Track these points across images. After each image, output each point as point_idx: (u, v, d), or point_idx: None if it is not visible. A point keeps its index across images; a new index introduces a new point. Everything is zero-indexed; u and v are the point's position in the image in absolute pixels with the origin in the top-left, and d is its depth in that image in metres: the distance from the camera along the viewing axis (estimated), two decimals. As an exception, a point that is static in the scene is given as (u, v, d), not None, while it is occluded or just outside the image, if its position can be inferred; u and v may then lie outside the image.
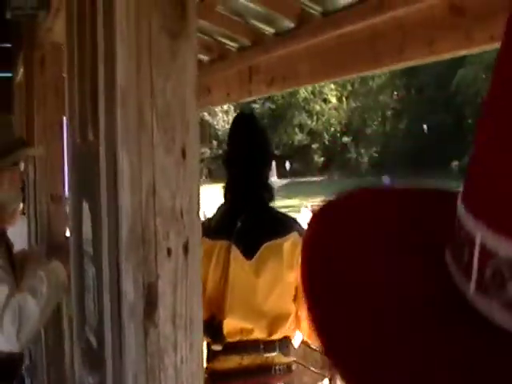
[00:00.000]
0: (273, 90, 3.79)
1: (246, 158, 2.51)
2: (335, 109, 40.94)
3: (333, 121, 41.01)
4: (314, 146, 41.46)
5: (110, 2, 1.13)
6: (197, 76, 1.13)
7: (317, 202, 25.75)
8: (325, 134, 41.36)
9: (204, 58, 4.47)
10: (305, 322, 2.40)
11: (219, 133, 42.17)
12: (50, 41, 3.23)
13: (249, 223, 2.41)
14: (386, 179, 25.90)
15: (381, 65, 2.75)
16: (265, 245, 2.35)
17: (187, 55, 1.12)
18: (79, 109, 1.56)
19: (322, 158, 41.35)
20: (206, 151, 40.42)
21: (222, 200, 2.60)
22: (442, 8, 2.28)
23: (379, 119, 39.75)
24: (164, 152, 1.14)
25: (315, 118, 41.12)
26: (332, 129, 40.98)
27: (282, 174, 37.16)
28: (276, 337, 2.36)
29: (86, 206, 1.65)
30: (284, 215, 2.67)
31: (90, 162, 1.49)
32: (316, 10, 3.00)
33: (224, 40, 4.00)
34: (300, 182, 36.60)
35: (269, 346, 2.35)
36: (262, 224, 2.45)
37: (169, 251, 1.19)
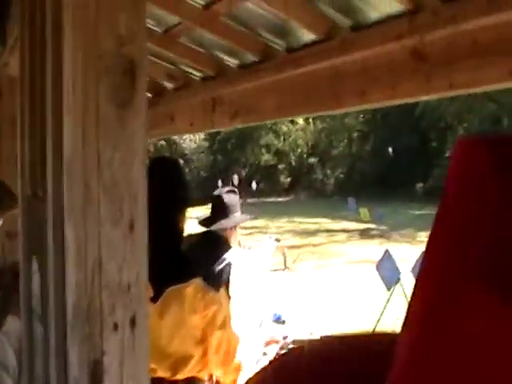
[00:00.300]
0: (236, 122, 3.76)
1: (155, 202, 2.55)
2: (302, 130, 41.17)
3: (299, 142, 41.23)
4: (281, 166, 41.62)
5: (57, 67, 1.08)
6: (146, 146, 1.08)
7: (282, 222, 25.86)
8: (291, 155, 41.55)
9: (168, 85, 4.44)
10: (213, 362, 2.56)
11: (186, 151, 42.17)
12: (6, 74, 3.16)
13: (155, 268, 2.43)
14: (351, 201, 26.04)
15: (343, 106, 2.75)
16: (168, 289, 2.49)
17: (136, 125, 1.08)
18: (29, 164, 1.50)
19: (289, 179, 41.49)
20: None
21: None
22: (404, 53, 2.28)
23: (345, 141, 40.09)
24: (111, 225, 1.09)
25: (282, 138, 41.32)
26: (299, 150, 41.18)
27: (248, 193, 37.20)
28: (180, 377, 2.50)
29: (35, 261, 1.58)
30: (186, 259, 2.79)
31: (39, 219, 1.43)
32: (280, 45, 2.99)
33: (188, 69, 3.97)
34: (266, 201, 36.61)
35: None
36: (166, 269, 2.54)
37: (115, 326, 1.14)
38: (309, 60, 2.74)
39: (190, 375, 2.53)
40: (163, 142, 39.70)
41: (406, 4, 2.13)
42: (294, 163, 41.71)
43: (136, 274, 1.14)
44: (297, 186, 40.25)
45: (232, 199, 3.95)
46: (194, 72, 3.97)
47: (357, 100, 2.60)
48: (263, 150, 41.54)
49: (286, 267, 14.54)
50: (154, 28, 3.52)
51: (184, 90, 4.19)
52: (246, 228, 23.66)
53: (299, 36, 2.78)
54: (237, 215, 3.97)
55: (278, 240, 5.53)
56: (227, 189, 4.10)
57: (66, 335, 1.17)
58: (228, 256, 3.83)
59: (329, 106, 2.86)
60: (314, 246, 18.72)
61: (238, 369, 2.68)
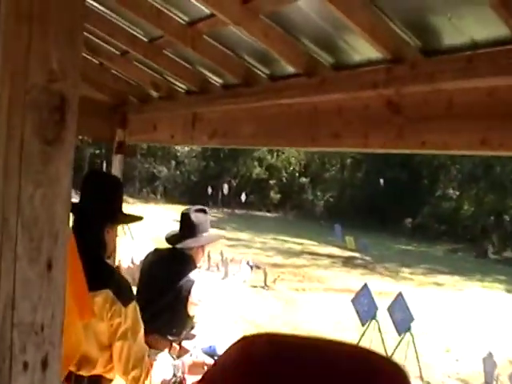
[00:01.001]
0: (213, 142, 3.74)
1: (79, 211, 2.72)
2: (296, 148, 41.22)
3: (292, 160, 41.25)
4: (272, 181, 41.62)
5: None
6: (70, 185, 1.05)
7: (268, 238, 25.82)
8: (283, 172, 41.56)
9: (153, 93, 4.42)
10: (116, 368, 2.77)
11: (178, 154, 42.11)
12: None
13: None
14: (337, 228, 26.01)
15: (317, 145, 2.74)
16: None
17: (61, 162, 1.04)
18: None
19: (279, 195, 41.48)
20: (163, 170, 40.29)
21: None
22: (380, 102, 2.26)
23: (338, 166, 40.14)
24: (27, 262, 1.05)
25: (275, 154, 41.35)
26: (291, 168, 41.21)
27: (237, 204, 37.16)
28: (84, 373, 2.73)
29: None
30: (105, 271, 2.84)
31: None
32: (263, 72, 2.98)
33: (173, 80, 3.95)
34: (254, 215, 36.56)
35: (78, 379, 2.72)
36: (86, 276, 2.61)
37: (25, 365, 1.10)
38: (289, 93, 2.73)
39: (95, 373, 2.75)
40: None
41: (386, 53, 2.12)
42: (285, 180, 41.73)
43: (51, 314, 1.10)
44: (286, 204, 40.23)
45: (200, 218, 3.91)
46: (179, 84, 3.95)
47: (331, 142, 2.59)
48: (255, 163, 41.58)
49: (265, 285, 14.50)
50: (140, 36, 3.50)
51: (168, 100, 4.18)
52: (230, 239, 23.67)
53: (282, 65, 2.76)
54: (205, 235, 3.92)
55: (257, 267, 5.52)
56: (196, 208, 4.05)
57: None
58: (191, 275, 3.79)
59: (304, 143, 2.84)
60: (297, 267, 18.66)
61: (136, 380, 2.79)
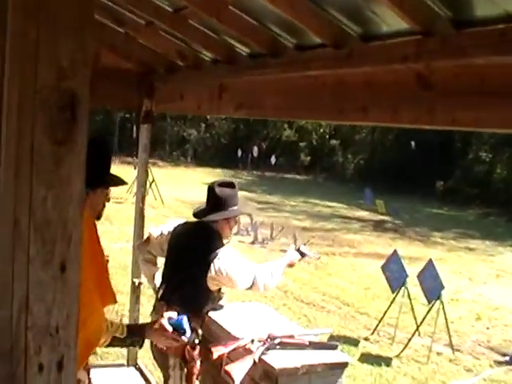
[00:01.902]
0: (239, 114, 3.71)
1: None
2: (327, 110, 40.82)
3: (322, 122, 40.92)
4: (302, 144, 41.36)
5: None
6: (82, 186, 1.02)
7: (298, 201, 25.80)
8: (313, 134, 41.26)
9: (179, 62, 4.38)
10: None
11: (208, 116, 42.03)
12: None
13: None
14: (368, 192, 25.79)
15: (344, 119, 2.68)
16: None
17: (73, 164, 1.01)
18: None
19: (309, 158, 41.25)
20: (193, 133, 40.33)
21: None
22: (409, 76, 2.18)
23: (369, 128, 39.73)
24: (40, 265, 1.03)
25: (306, 116, 40.97)
26: (321, 130, 40.87)
27: (266, 167, 37.10)
28: None
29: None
30: None
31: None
32: (289, 41, 2.90)
33: (199, 49, 3.90)
34: (284, 177, 36.51)
35: None
36: None
37: (40, 367, 1.09)
38: (316, 65, 2.66)
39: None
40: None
41: (415, 25, 2.03)
42: (315, 142, 41.45)
43: (66, 316, 1.08)
44: (316, 166, 40.00)
45: (226, 192, 3.89)
46: (205, 53, 3.89)
47: (358, 115, 2.53)
48: (285, 125, 41.30)
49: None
50: (165, 6, 3.45)
51: (194, 70, 4.13)
52: (260, 202, 23.71)
53: (309, 35, 2.68)
54: (231, 209, 3.90)
55: (302, 255, 4.49)
56: (222, 181, 4.04)
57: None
58: (216, 249, 3.78)
59: (331, 116, 2.79)
60: (326, 231, 18.62)
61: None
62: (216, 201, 3.88)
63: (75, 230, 1.04)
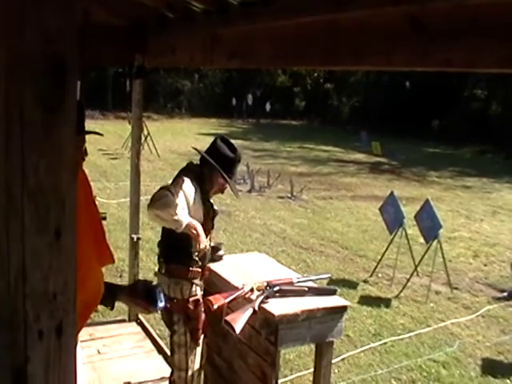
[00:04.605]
0: (232, 64, 3.64)
1: None
2: (320, 53, 40.35)
3: (316, 65, 40.45)
4: (296, 89, 41.02)
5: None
6: (75, 151, 1.00)
7: (293, 147, 25.74)
8: (308, 79, 40.88)
9: (170, 14, 4.29)
10: None
11: (201, 67, 41.56)
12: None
13: None
14: (363, 134, 25.70)
15: (338, 64, 2.63)
16: None
17: (64, 130, 0.99)
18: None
19: (304, 103, 40.97)
20: (187, 84, 39.92)
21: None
22: (402, 19, 2.14)
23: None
24: (36, 233, 1.02)
25: (299, 60, 40.52)
26: (315, 74, 40.46)
27: (261, 114, 36.89)
28: None
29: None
30: None
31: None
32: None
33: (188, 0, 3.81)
34: (279, 123, 36.34)
35: None
36: None
37: (40, 334, 1.09)
38: (307, 11, 2.60)
39: None
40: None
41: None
42: (309, 87, 41.10)
43: (63, 282, 1.08)
44: (311, 111, 39.75)
45: (225, 150, 3.95)
46: (194, 3, 3.80)
47: (352, 60, 2.49)
48: (279, 72, 40.86)
49: (292, 196, 14.54)
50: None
51: (185, 22, 4.05)
52: (256, 150, 23.63)
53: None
54: (228, 172, 3.94)
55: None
56: (228, 142, 4.09)
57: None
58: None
59: (325, 63, 2.75)
60: (323, 175, 18.65)
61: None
62: (214, 150, 3.94)
63: (69, 195, 1.03)
